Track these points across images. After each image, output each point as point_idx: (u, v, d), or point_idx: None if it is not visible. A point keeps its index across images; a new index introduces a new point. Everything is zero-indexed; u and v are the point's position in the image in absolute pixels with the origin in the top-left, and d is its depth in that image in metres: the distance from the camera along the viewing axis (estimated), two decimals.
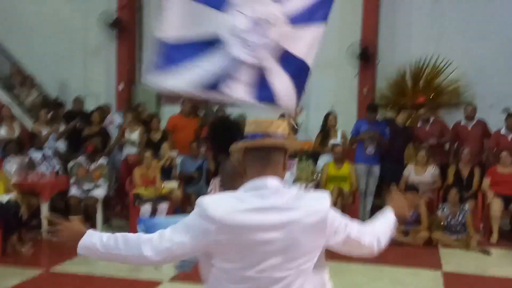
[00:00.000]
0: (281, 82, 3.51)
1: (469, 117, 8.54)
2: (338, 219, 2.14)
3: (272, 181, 2.09)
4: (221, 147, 3.49)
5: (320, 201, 2.12)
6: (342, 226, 2.14)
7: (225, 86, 3.37)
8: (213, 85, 3.37)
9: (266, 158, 2.12)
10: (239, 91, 3.43)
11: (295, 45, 3.55)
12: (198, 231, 2.04)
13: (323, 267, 2.29)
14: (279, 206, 2.06)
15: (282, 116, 4.44)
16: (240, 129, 3.51)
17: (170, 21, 3.40)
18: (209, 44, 3.39)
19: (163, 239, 2.07)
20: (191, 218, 2.09)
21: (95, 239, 2.09)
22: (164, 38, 3.38)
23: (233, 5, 3.43)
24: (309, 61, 3.61)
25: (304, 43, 3.59)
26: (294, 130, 9.24)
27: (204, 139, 8.47)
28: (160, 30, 3.41)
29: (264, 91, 3.48)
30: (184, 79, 3.34)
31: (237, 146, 2.19)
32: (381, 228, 2.32)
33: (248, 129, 2.18)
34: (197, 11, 3.41)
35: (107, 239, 2.08)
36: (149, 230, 3.54)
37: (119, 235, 2.10)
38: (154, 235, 2.09)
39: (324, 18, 3.65)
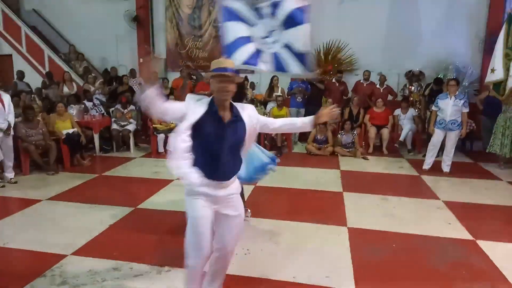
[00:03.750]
0: (288, 59, 3.70)
1: (366, 78, 8.56)
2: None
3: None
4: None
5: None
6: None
7: (257, 63, 3.73)
8: (250, 63, 3.70)
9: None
10: (264, 66, 3.73)
11: (293, 39, 3.70)
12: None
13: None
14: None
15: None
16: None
17: (229, 31, 3.75)
18: (247, 39, 3.78)
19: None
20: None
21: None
22: (227, 40, 3.76)
23: (254, 23, 3.84)
24: (306, 47, 3.68)
25: (298, 37, 3.69)
26: (252, 86, 8.97)
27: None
28: (224, 37, 3.77)
29: (278, 65, 3.72)
30: (237, 59, 3.63)
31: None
32: None
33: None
34: (239, 26, 3.81)
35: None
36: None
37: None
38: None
39: (306, 20, 3.71)
